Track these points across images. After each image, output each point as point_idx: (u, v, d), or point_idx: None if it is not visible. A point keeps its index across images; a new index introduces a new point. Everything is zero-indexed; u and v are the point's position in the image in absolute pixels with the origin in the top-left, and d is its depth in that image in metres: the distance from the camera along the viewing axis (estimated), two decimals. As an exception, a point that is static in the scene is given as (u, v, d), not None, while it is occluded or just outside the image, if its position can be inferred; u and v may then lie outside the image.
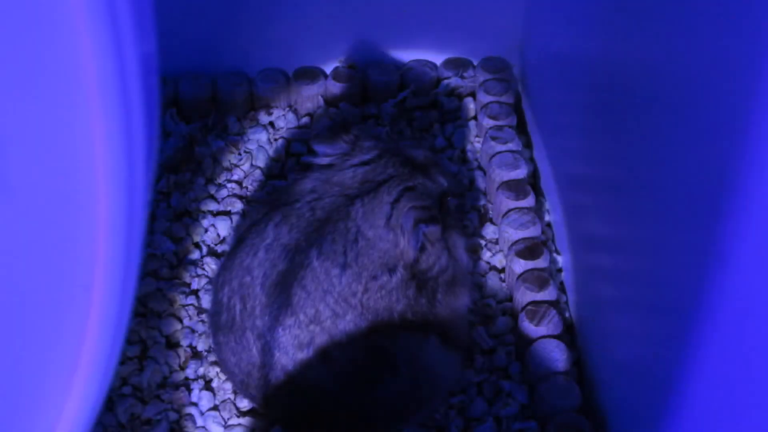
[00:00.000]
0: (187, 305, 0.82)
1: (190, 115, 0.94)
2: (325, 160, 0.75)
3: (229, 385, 0.77)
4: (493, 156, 0.88)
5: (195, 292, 0.83)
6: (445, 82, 0.96)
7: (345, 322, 0.69)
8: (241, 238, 0.75)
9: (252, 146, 0.92)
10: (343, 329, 0.69)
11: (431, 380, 0.73)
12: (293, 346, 0.70)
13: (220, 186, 0.89)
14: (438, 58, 0.97)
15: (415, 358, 0.71)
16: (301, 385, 0.70)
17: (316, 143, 0.76)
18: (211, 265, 0.84)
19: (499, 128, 0.91)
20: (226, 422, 0.76)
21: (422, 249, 0.71)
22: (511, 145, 0.89)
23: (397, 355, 0.71)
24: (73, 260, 0.44)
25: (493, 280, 0.84)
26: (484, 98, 0.93)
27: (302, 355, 0.70)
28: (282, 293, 0.70)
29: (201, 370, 0.79)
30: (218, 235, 0.86)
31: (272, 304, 0.70)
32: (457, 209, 0.79)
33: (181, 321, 0.81)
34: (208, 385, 0.78)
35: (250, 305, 0.71)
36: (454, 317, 0.74)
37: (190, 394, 0.78)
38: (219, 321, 0.73)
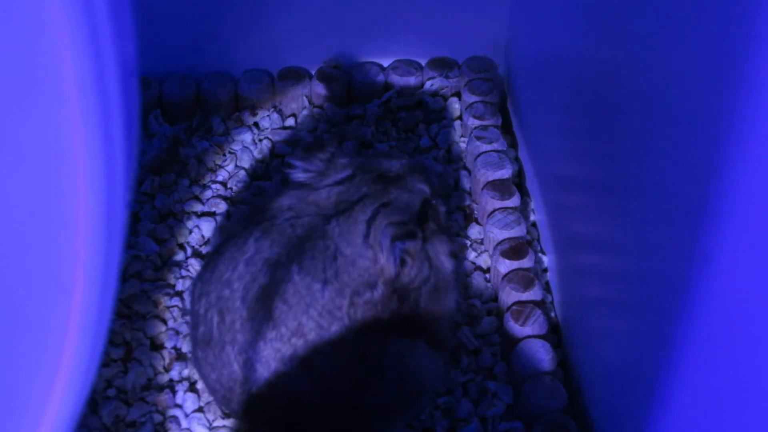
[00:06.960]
0: (172, 307, 0.81)
1: (174, 117, 0.93)
2: (301, 177, 0.75)
3: (213, 387, 0.77)
4: (478, 156, 0.88)
5: (179, 294, 0.82)
6: (430, 82, 0.96)
7: (330, 333, 0.69)
8: (219, 250, 0.74)
9: (237, 147, 0.92)
10: (329, 341, 0.69)
11: (417, 384, 0.73)
12: (275, 359, 0.69)
13: (205, 187, 0.89)
14: (423, 58, 0.97)
15: (402, 364, 0.71)
16: (286, 399, 0.70)
17: (294, 160, 0.76)
18: (195, 267, 0.83)
19: (484, 128, 0.91)
20: (210, 424, 0.76)
21: (402, 263, 0.71)
22: (496, 145, 0.89)
23: (385, 361, 0.70)
24: (52, 262, 0.44)
25: (478, 281, 0.84)
26: (469, 98, 0.93)
27: (285, 369, 0.69)
28: (263, 307, 0.70)
29: (185, 372, 0.78)
30: (203, 236, 0.86)
31: (253, 318, 0.70)
32: (443, 211, 0.79)
33: (165, 323, 0.81)
34: (192, 387, 0.78)
35: (229, 319, 0.70)
36: (436, 320, 0.74)
37: (174, 396, 0.77)
38: (196, 334, 0.73)
